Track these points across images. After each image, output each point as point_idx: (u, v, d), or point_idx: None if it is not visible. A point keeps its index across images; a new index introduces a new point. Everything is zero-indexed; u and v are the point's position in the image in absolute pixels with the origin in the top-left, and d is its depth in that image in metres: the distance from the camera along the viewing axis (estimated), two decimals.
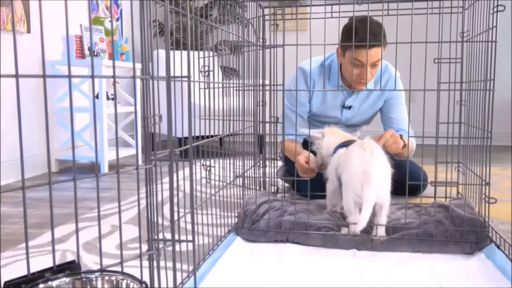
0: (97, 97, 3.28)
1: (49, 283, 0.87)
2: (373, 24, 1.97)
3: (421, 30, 1.61)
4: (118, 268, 0.97)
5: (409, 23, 1.58)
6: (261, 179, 2.28)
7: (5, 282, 0.83)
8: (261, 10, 2.21)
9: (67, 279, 0.90)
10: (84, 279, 0.92)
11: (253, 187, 2.19)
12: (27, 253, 0.85)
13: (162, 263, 1.13)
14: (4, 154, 2.88)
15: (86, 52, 3.30)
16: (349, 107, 2.38)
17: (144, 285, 0.91)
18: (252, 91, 2.12)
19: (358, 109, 2.40)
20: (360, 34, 1.89)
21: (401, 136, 2.14)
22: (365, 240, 1.66)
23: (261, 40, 2.16)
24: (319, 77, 2.32)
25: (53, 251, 0.90)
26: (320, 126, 2.49)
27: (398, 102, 2.40)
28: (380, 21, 1.99)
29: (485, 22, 1.65)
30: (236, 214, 1.89)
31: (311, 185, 1.83)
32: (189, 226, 1.79)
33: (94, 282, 0.92)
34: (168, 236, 1.11)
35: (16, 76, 0.79)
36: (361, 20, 1.96)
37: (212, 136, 1.63)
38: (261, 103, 2.17)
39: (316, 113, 2.39)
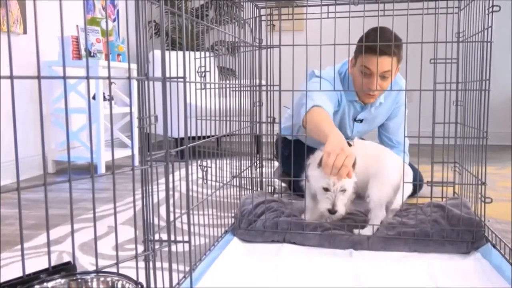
0: (94, 97, 3.28)
1: (45, 284, 0.87)
2: (389, 33, 1.93)
3: (417, 31, 1.61)
4: (114, 269, 0.97)
5: (405, 24, 1.59)
6: (258, 179, 2.29)
7: (1, 284, 0.82)
8: (257, 10, 2.21)
9: (63, 280, 0.90)
10: (79, 280, 0.92)
11: (250, 188, 2.19)
12: (22, 254, 0.85)
13: (158, 264, 1.13)
14: (1, 155, 2.88)
15: (83, 52, 3.29)
16: (361, 121, 2.36)
17: (139, 286, 0.91)
18: (249, 92, 2.13)
19: (370, 122, 2.39)
20: (372, 40, 1.87)
21: None
22: (361, 240, 1.66)
23: (257, 41, 2.16)
24: (338, 86, 2.27)
25: (49, 252, 0.90)
26: None
27: (400, 112, 2.39)
28: (396, 32, 1.93)
29: (480, 23, 1.65)
30: (233, 215, 1.90)
31: None
32: (185, 227, 1.79)
33: (89, 283, 0.92)
34: (164, 236, 1.11)
35: (11, 77, 0.79)
36: (379, 28, 1.90)
37: (208, 137, 1.63)
38: (257, 104, 2.17)
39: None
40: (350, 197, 1.73)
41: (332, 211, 1.64)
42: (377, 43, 1.77)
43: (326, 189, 1.65)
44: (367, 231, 1.72)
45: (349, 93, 2.24)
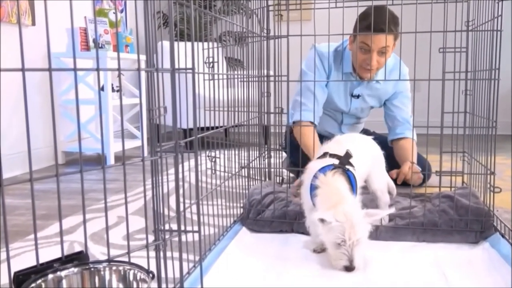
0: (102, 89, 3.29)
1: (58, 273, 0.89)
2: (387, 12, 1.97)
3: (426, 19, 1.60)
4: (126, 259, 0.99)
5: (414, 12, 1.58)
6: (266, 169, 2.29)
7: (15, 272, 0.84)
8: (265, 0, 2.20)
9: (76, 269, 0.91)
10: (92, 269, 0.93)
11: (258, 178, 2.20)
12: (36, 244, 0.87)
13: (168, 254, 1.14)
14: (9, 147, 2.90)
15: (91, 44, 3.30)
16: (358, 96, 2.36)
17: (151, 275, 0.92)
18: (257, 82, 2.12)
19: (366, 100, 2.39)
20: (371, 18, 1.88)
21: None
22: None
23: (265, 31, 2.16)
24: (335, 62, 2.31)
25: (61, 242, 0.91)
26: (329, 114, 2.47)
27: (404, 99, 2.38)
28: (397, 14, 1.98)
29: (490, 11, 1.64)
30: (242, 205, 1.91)
31: None
32: (194, 217, 1.80)
33: (102, 272, 0.93)
34: (174, 226, 1.12)
35: (23, 69, 0.80)
36: (377, 8, 1.96)
37: (217, 128, 1.63)
38: (265, 94, 2.17)
39: (327, 99, 2.36)
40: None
41: (350, 269, 1.38)
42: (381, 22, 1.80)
43: (340, 244, 1.39)
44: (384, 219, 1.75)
45: (346, 65, 2.26)
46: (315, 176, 1.51)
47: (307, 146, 2.11)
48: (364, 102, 2.41)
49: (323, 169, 1.52)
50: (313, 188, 1.50)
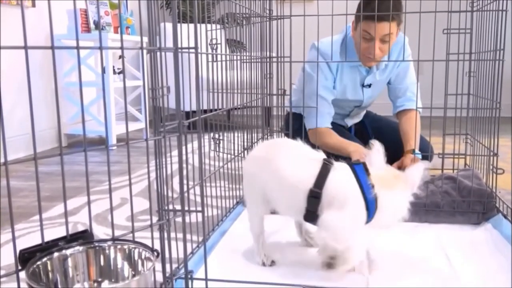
0: (103, 71, 3.28)
1: (63, 251, 0.89)
2: None
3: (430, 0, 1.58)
4: (130, 238, 0.99)
5: None
6: None
7: (21, 251, 0.84)
8: None
9: (81, 248, 0.91)
10: (97, 247, 0.93)
11: None
12: (41, 223, 0.87)
13: (172, 235, 1.15)
14: (12, 130, 2.90)
15: (92, 26, 3.28)
16: (369, 86, 2.32)
17: (155, 253, 0.93)
18: (259, 64, 2.11)
19: (378, 86, 2.35)
20: (372, 5, 1.83)
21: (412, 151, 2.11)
22: None
23: (267, 11, 2.14)
24: (341, 56, 2.23)
25: (66, 220, 0.92)
26: (342, 112, 2.43)
27: (407, 70, 2.35)
28: None
29: None
30: None
31: None
32: (198, 199, 1.81)
33: (107, 251, 0.94)
34: (177, 207, 1.12)
35: (25, 47, 0.79)
36: None
37: (220, 109, 1.63)
38: (268, 76, 2.16)
39: (336, 97, 2.31)
40: None
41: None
42: (376, 11, 1.76)
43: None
44: None
45: (353, 58, 2.21)
46: None
47: (332, 144, 2.10)
48: (376, 89, 2.37)
49: None
50: None
